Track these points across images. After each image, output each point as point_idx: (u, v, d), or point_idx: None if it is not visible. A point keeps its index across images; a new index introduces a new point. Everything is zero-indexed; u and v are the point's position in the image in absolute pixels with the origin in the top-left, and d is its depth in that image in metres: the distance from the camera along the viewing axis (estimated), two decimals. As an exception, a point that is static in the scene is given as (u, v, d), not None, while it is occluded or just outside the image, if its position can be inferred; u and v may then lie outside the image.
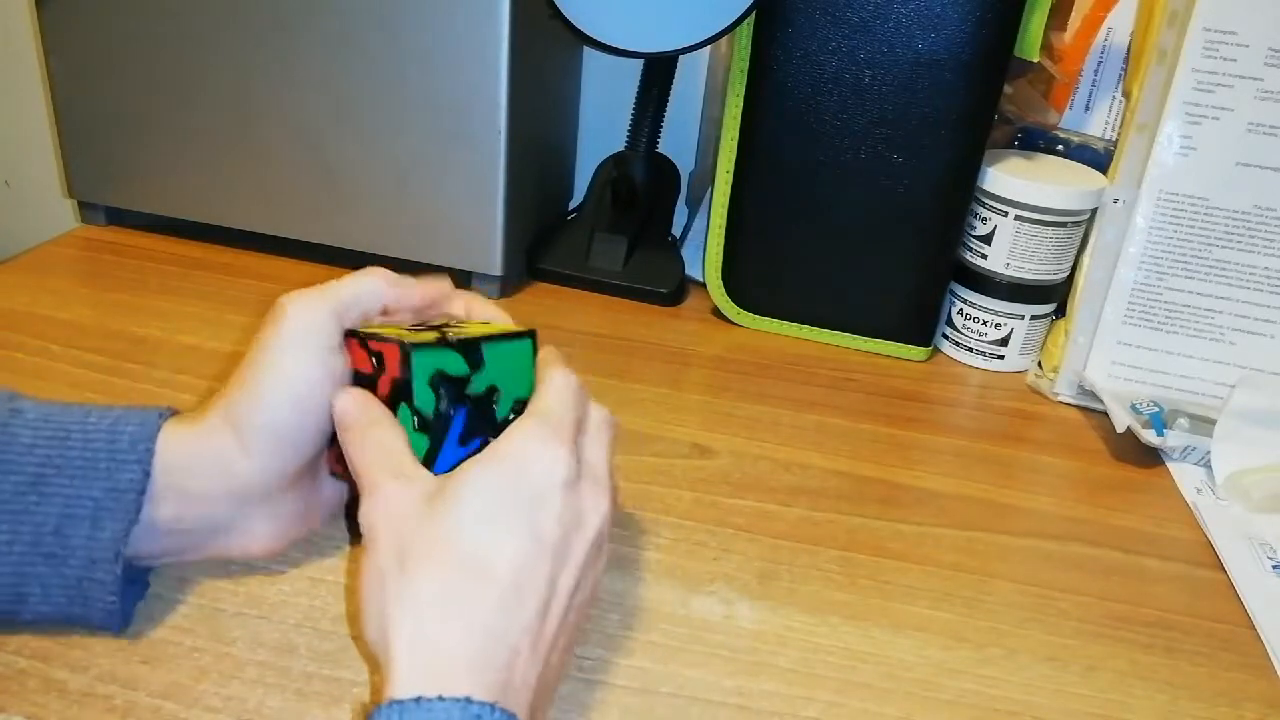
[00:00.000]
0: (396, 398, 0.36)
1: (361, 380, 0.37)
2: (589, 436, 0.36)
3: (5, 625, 0.35)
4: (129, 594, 0.36)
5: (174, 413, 0.37)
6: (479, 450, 0.35)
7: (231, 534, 0.37)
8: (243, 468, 0.36)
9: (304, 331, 0.36)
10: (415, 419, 0.36)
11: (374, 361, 0.37)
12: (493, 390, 0.37)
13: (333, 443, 0.38)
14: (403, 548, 0.31)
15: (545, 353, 0.40)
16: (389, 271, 0.39)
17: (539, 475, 0.33)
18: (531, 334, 0.39)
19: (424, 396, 0.36)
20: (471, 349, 0.37)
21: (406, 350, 0.35)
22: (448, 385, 0.36)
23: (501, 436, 0.34)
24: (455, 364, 0.36)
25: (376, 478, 0.33)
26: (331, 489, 0.41)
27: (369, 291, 0.38)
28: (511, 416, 0.38)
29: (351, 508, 0.41)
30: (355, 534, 0.42)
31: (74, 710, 0.33)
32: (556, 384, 0.37)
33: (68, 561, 0.34)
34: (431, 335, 0.37)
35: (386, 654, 0.30)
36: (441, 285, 0.41)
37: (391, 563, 0.31)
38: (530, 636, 0.31)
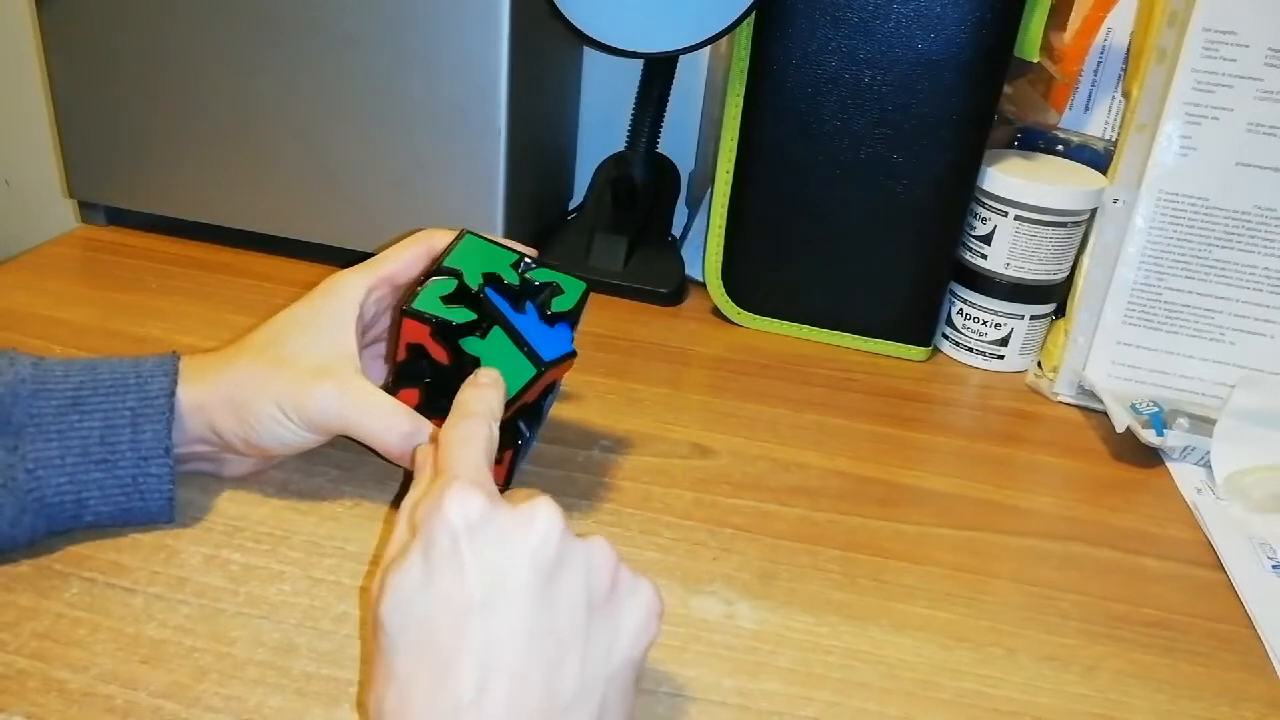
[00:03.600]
0: (453, 341, 0.41)
1: (431, 363, 0.43)
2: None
3: (66, 528, 0.39)
4: None
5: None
6: (544, 309, 0.43)
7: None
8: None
9: (347, 288, 0.43)
10: (479, 327, 0.41)
11: (415, 351, 0.42)
12: (490, 274, 0.43)
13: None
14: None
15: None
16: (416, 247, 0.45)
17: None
18: (461, 231, 0.46)
19: (457, 313, 0.41)
20: (437, 268, 0.43)
21: (409, 312, 0.41)
22: (456, 296, 0.42)
23: None
24: (442, 285, 0.42)
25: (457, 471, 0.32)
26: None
27: (410, 265, 0.45)
28: (520, 272, 0.44)
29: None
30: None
31: (74, 710, 0.33)
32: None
33: (119, 464, 0.39)
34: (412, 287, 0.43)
35: None
36: (418, 244, 0.46)
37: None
38: None
